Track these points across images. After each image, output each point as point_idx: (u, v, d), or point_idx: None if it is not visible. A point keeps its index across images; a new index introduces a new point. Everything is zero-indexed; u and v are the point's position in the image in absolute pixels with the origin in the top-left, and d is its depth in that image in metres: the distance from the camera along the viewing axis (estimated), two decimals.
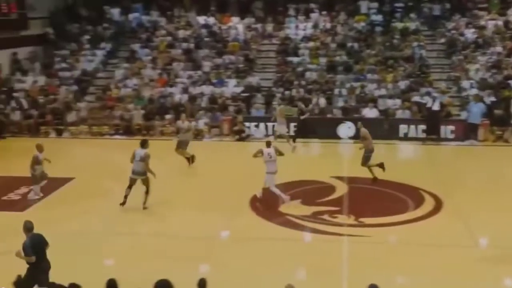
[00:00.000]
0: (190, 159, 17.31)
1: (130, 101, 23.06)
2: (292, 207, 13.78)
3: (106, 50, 27.28)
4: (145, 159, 13.41)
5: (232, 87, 23.80)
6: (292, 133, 20.62)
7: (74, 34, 28.38)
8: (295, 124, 20.84)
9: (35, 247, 8.87)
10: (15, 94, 23.28)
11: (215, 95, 23.14)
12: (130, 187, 13.66)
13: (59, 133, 22.05)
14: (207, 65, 25.26)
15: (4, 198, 14.71)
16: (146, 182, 13.62)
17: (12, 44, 25.87)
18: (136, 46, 27.01)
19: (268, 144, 14.24)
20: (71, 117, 22.45)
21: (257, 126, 21.19)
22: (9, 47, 25.68)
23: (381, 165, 15.50)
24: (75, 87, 24.51)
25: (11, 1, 25.47)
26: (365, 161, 15.56)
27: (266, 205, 14.03)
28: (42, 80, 25.02)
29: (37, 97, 23.56)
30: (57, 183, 15.74)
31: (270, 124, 20.99)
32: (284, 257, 11.09)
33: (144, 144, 13.75)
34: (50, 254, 10.96)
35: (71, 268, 10.05)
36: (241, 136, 20.90)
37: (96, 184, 15.20)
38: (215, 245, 11.97)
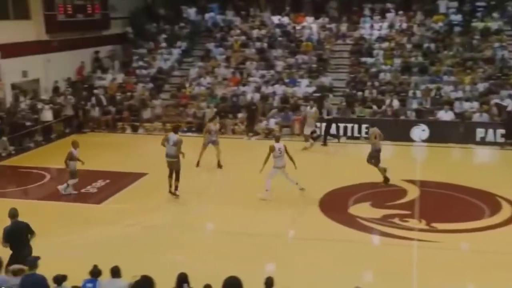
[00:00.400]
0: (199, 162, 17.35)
1: (203, 99, 23.48)
2: (361, 209, 13.61)
3: (182, 49, 27.94)
4: (177, 143, 14.40)
5: (304, 87, 23.75)
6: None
7: (152, 33, 29.27)
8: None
9: (12, 235, 9.25)
10: (95, 91, 24.20)
11: (287, 95, 23.16)
12: (171, 173, 14.51)
13: (135, 129, 22.75)
14: (280, 65, 25.34)
15: (83, 190, 15.34)
16: (176, 166, 14.45)
17: (94, 43, 27.02)
18: (210, 45, 27.50)
19: (278, 139, 14.57)
20: (146, 114, 23.13)
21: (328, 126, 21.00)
22: (92, 46, 26.82)
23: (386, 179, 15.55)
24: (151, 85, 25.25)
25: (95, 2, 26.54)
26: (370, 158, 15.67)
27: (335, 206, 13.92)
28: (120, 77, 25.94)
29: (115, 94, 24.41)
30: (131, 178, 16.33)
31: (341, 125, 20.90)
32: (351, 259, 10.99)
33: (176, 131, 15.01)
34: (123, 246, 11.44)
35: (143, 261, 10.36)
36: (312, 136, 20.79)
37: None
38: (283, 244, 12.02)
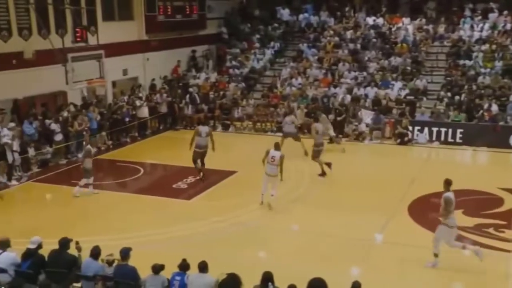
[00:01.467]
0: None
1: (294, 99, 23.52)
2: None
3: (274, 49, 28.16)
4: (210, 133, 15.88)
5: (397, 89, 23.18)
6: None
7: (245, 34, 29.73)
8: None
9: None
10: (189, 89, 24.88)
11: (379, 97, 22.73)
12: (195, 161, 15.83)
13: (226, 127, 23.16)
14: (372, 67, 24.93)
15: (174, 186, 15.86)
16: (204, 155, 15.82)
17: (191, 43, 27.84)
18: (303, 46, 27.53)
19: (277, 147, 13.93)
20: (237, 112, 23.50)
21: (420, 130, 20.45)
22: (188, 45, 27.63)
23: (328, 164, 16.20)
24: (243, 84, 25.62)
25: (193, 3, 27.35)
26: (314, 155, 16.30)
27: (425, 212, 13.51)
28: (213, 76, 26.52)
29: (208, 92, 24.96)
30: (221, 175, 16.66)
31: (435, 129, 20.26)
32: (441, 267, 10.61)
33: (205, 123, 17.19)
34: (210, 242, 11.70)
35: (229, 257, 10.60)
36: (403, 139, 20.30)
37: (257, 179, 15.73)
38: (371, 247, 11.84)
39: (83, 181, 14.98)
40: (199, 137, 15.69)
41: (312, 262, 10.56)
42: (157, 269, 8.08)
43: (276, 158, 13.52)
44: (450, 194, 10.31)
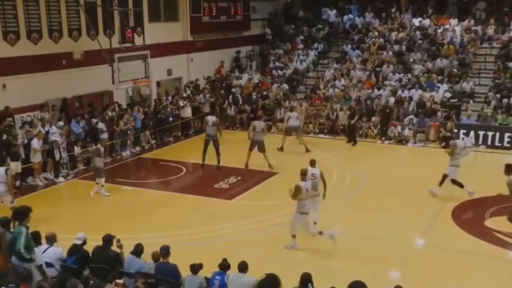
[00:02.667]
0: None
1: (337, 101, 23.37)
2: (500, 223, 12.77)
3: (318, 50, 28.06)
4: (216, 123, 17.36)
5: (442, 92, 22.73)
6: None
7: (289, 35, 29.73)
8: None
9: None
10: (232, 90, 25.04)
11: (423, 100, 22.35)
12: (205, 149, 17.46)
13: (268, 128, 23.08)
14: (417, 69, 24.55)
15: (216, 186, 16.02)
16: (216, 143, 17.34)
17: (235, 44, 28.06)
18: (347, 47, 27.34)
19: (313, 164, 12.48)
20: (280, 114, 23.49)
21: (466, 134, 20.01)
22: (232, 46, 27.84)
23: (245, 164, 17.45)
24: (285, 86, 25.61)
25: (238, 4, 27.53)
26: (250, 148, 17.55)
27: (469, 217, 13.26)
28: (256, 77, 26.60)
29: (251, 93, 25.03)
30: (262, 176, 16.79)
31: (481, 133, 19.83)
32: (485, 273, 10.44)
33: (213, 113, 18.87)
34: (250, 242, 11.75)
35: (268, 258, 10.65)
36: (448, 143, 19.87)
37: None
38: (412, 251, 11.76)
39: (102, 181, 15.24)
40: (207, 126, 17.52)
41: (352, 264, 10.52)
42: (196, 269, 8.16)
43: (316, 176, 12.25)
44: (299, 183, 11.25)
